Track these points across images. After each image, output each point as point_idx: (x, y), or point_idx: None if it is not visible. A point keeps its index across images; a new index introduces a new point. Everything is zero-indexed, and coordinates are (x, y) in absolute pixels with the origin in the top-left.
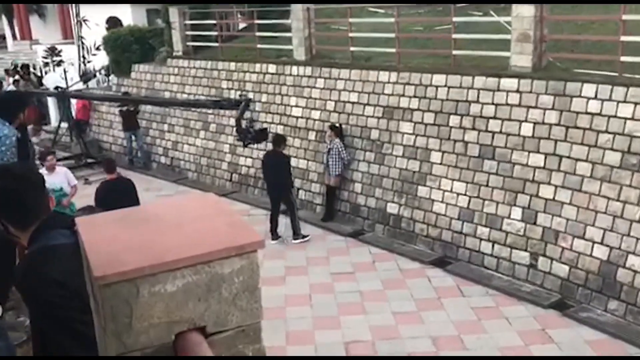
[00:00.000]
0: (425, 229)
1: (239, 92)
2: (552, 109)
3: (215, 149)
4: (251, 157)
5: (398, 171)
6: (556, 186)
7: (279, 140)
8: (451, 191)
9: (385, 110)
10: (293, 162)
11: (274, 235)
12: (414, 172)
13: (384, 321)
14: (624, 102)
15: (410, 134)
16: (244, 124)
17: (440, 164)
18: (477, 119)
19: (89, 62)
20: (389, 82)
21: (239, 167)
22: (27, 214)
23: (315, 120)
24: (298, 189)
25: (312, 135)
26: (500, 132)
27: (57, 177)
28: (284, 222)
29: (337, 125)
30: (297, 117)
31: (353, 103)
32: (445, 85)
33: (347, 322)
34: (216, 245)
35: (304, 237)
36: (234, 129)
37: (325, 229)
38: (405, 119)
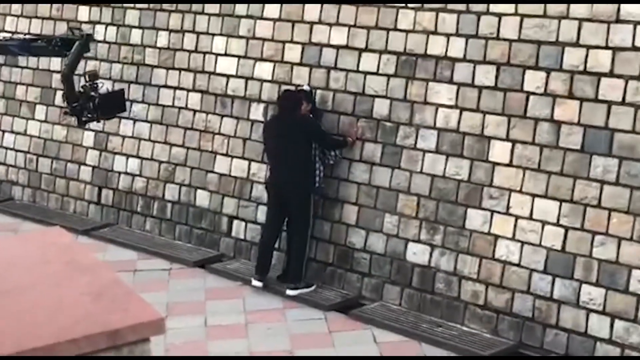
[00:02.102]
0: (481, 294)
1: (72, 28)
2: None
3: (66, 140)
4: (139, 157)
5: (427, 181)
6: None
7: (294, 97)
8: (530, 218)
9: (402, 62)
10: (221, 163)
11: (262, 273)
12: (459, 181)
13: None
14: None
15: (450, 106)
16: (78, 83)
17: (509, 164)
18: (576, 76)
19: None
20: (406, 8)
21: (114, 176)
22: None
23: (263, 81)
24: (232, 219)
25: (257, 112)
26: (624, 102)
27: None
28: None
29: (306, 87)
30: (227, 76)
31: (338, 48)
32: (516, 13)
33: None
34: (69, 331)
35: (308, 285)
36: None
37: (286, 297)
38: (441, 77)
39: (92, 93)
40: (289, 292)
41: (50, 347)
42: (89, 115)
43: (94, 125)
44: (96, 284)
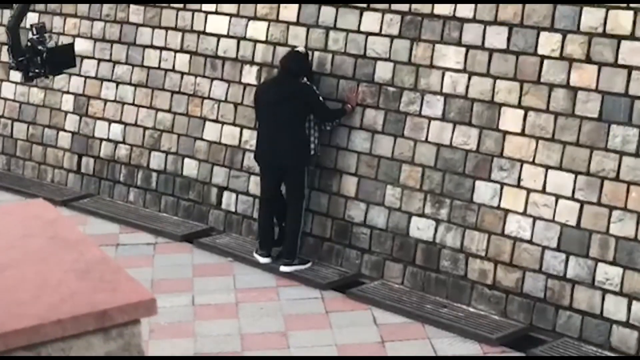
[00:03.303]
0: (489, 272)
1: None
2: None
3: (44, 104)
4: (122, 123)
5: (433, 150)
6: None
7: (298, 58)
8: (543, 191)
9: (407, 22)
10: (210, 130)
11: (267, 247)
12: (467, 151)
13: None
14: None
15: (457, 70)
16: (24, 37)
17: (521, 133)
18: (595, 39)
19: None
20: None
21: (95, 143)
22: None
23: (256, 42)
24: (222, 190)
25: (250, 75)
26: None
27: None
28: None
29: (300, 49)
30: (217, 37)
31: (337, 6)
32: None
33: None
34: (54, 311)
35: (303, 262)
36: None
37: (280, 274)
38: (449, 38)
39: (40, 47)
40: (283, 268)
41: (34, 329)
42: (35, 70)
43: (72, 87)
44: (82, 261)
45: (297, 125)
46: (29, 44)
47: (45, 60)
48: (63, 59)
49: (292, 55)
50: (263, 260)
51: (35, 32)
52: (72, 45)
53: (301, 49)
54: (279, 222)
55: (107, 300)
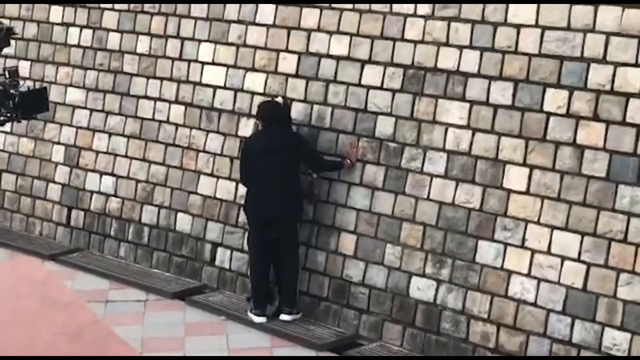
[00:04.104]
0: (492, 335)
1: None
2: None
3: (33, 154)
4: (113, 175)
5: (434, 208)
6: None
7: (282, 107)
8: (548, 252)
9: (410, 76)
10: (205, 184)
11: (262, 306)
12: (470, 210)
13: None
14: None
15: (461, 126)
16: None
17: (526, 192)
18: (602, 96)
19: None
20: (415, 16)
21: (86, 195)
22: None
23: (254, 94)
24: (216, 246)
25: (247, 128)
26: None
27: None
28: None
29: (279, 99)
30: (213, 88)
31: (338, 59)
32: (537, 25)
33: None
34: None
35: (298, 311)
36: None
37: (274, 334)
38: (452, 93)
39: (12, 91)
40: (285, 317)
41: None
42: (7, 114)
43: (63, 137)
44: (73, 324)
45: (290, 175)
46: (0, 87)
47: (17, 105)
48: (36, 103)
49: (275, 105)
50: (258, 319)
51: (8, 76)
52: (45, 89)
53: (279, 99)
54: (272, 277)
55: None
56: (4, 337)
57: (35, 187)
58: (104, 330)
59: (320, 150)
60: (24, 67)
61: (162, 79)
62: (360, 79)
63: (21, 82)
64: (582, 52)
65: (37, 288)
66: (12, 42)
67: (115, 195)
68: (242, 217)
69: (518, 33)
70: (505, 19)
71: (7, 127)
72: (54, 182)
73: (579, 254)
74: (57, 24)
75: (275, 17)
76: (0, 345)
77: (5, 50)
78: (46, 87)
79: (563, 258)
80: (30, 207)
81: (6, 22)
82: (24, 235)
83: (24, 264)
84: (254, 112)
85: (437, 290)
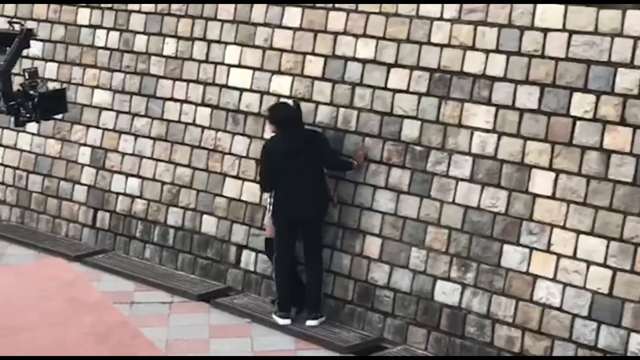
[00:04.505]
0: (517, 340)
1: (12, 22)
2: None
3: (60, 156)
4: (139, 177)
5: (460, 212)
6: None
7: (291, 112)
8: (574, 257)
9: (436, 80)
10: (230, 186)
11: (285, 309)
12: (495, 214)
13: None
14: None
15: (487, 130)
16: (16, 82)
17: (552, 197)
18: (630, 100)
19: None
20: (441, 19)
21: (112, 197)
22: None
23: (280, 96)
24: (241, 248)
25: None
26: None
27: None
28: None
29: (289, 102)
30: (240, 90)
31: (364, 62)
32: (564, 29)
33: None
34: None
35: (323, 315)
36: None
37: (299, 336)
38: (478, 97)
39: (31, 92)
40: (311, 322)
41: None
42: (27, 115)
43: (89, 139)
44: (101, 324)
45: (318, 173)
46: (20, 88)
47: (36, 105)
48: (54, 104)
49: (287, 107)
50: (283, 321)
51: (27, 77)
52: (64, 90)
53: (290, 102)
54: (296, 280)
55: None
56: (32, 337)
57: (62, 189)
58: (131, 331)
59: (347, 154)
60: (51, 69)
61: (188, 81)
62: (386, 83)
63: (40, 83)
64: (610, 57)
65: (65, 289)
66: (40, 44)
67: (140, 197)
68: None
69: (545, 37)
70: (532, 23)
71: (34, 128)
72: (80, 183)
73: (605, 259)
74: (85, 26)
75: (301, 20)
76: (29, 346)
77: (33, 52)
78: (65, 88)
79: (589, 263)
80: (56, 208)
81: (33, 24)
82: (50, 237)
83: (51, 265)
84: None
85: (462, 294)
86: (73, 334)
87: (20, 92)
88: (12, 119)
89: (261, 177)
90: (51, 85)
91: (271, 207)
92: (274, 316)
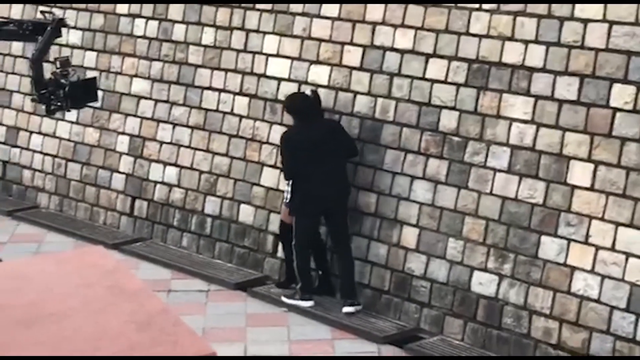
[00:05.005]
0: (554, 331)
1: (45, 12)
2: None
3: (99, 144)
4: (177, 166)
5: (497, 203)
6: None
7: (310, 101)
8: (612, 249)
9: (474, 71)
10: (268, 176)
11: (310, 291)
12: (533, 205)
13: None
14: None
15: (525, 121)
16: (47, 70)
17: (590, 188)
18: None
19: None
20: (480, 10)
21: (150, 185)
22: None
23: (318, 86)
24: (278, 237)
25: None
26: None
27: None
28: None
29: (308, 92)
30: (278, 80)
31: (402, 52)
32: (604, 19)
33: None
34: None
35: (359, 303)
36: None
37: (335, 325)
38: (517, 88)
39: (62, 80)
40: (348, 309)
41: None
42: (58, 103)
43: (127, 127)
44: (142, 312)
45: (342, 161)
46: (52, 77)
47: (67, 94)
48: (85, 93)
49: (306, 97)
50: (307, 303)
51: (58, 66)
52: (94, 79)
53: (308, 91)
54: (322, 267)
55: (167, 353)
56: (75, 324)
57: (100, 177)
58: (172, 319)
59: (384, 144)
60: (90, 58)
61: (226, 70)
62: (424, 73)
63: (71, 72)
64: None
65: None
66: (79, 33)
67: (178, 186)
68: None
69: (585, 28)
70: (572, 14)
71: (72, 116)
72: (118, 171)
73: None
74: (124, 15)
75: (340, 10)
76: (72, 332)
77: (72, 41)
78: (95, 77)
79: (627, 255)
80: (94, 196)
81: (72, 13)
82: (89, 224)
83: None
84: None
85: (499, 285)
86: (114, 322)
87: (52, 81)
88: (44, 106)
89: (286, 167)
90: (90, 74)
91: (290, 196)
92: (298, 302)
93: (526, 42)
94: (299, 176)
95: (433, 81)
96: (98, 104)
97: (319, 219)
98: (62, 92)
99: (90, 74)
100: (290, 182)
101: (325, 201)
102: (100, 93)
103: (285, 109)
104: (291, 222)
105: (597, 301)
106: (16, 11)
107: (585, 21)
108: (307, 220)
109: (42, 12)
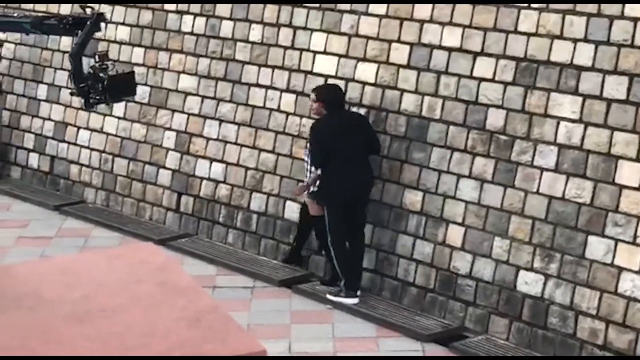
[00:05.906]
0: (600, 332)
1: (84, 6)
2: None
3: (145, 140)
4: (223, 162)
5: (544, 202)
6: None
7: (340, 92)
8: None
9: (522, 69)
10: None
11: (355, 288)
12: (580, 204)
13: None
14: None
15: (573, 120)
16: (86, 64)
17: (638, 188)
18: None
19: None
20: (529, 8)
21: (196, 181)
22: None
23: (365, 84)
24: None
25: None
26: None
27: None
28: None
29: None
30: (325, 77)
31: (449, 50)
32: None
33: None
34: None
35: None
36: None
37: (379, 323)
38: (565, 87)
39: (101, 74)
40: (332, 297)
41: None
42: (97, 97)
43: (174, 123)
44: (192, 309)
45: (366, 152)
46: (91, 71)
47: (106, 88)
48: (124, 87)
49: (336, 88)
50: (352, 301)
51: (97, 60)
52: (132, 73)
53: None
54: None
55: (216, 351)
56: (125, 320)
57: (147, 172)
58: (222, 316)
59: (431, 142)
60: (138, 54)
61: (273, 67)
62: (471, 71)
63: (110, 66)
64: None
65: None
66: (127, 29)
67: (224, 182)
68: None
69: (635, 26)
70: (622, 12)
71: (120, 112)
72: (164, 167)
73: None
74: (172, 12)
75: (387, 8)
76: (123, 328)
77: (120, 36)
78: (134, 70)
79: None
80: (141, 191)
81: (120, 9)
82: (135, 220)
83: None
84: (365, 101)
85: (544, 284)
86: (164, 318)
87: (91, 75)
88: (83, 100)
89: (314, 155)
90: (137, 70)
91: (316, 187)
92: (345, 300)
93: (575, 41)
94: (328, 164)
95: (480, 79)
96: (145, 100)
97: (347, 211)
98: (101, 85)
99: (137, 70)
100: (319, 171)
101: (352, 190)
102: (147, 89)
103: (321, 98)
104: (321, 213)
105: None
106: (65, 10)
107: (635, 20)
108: (339, 209)
109: (81, 6)
